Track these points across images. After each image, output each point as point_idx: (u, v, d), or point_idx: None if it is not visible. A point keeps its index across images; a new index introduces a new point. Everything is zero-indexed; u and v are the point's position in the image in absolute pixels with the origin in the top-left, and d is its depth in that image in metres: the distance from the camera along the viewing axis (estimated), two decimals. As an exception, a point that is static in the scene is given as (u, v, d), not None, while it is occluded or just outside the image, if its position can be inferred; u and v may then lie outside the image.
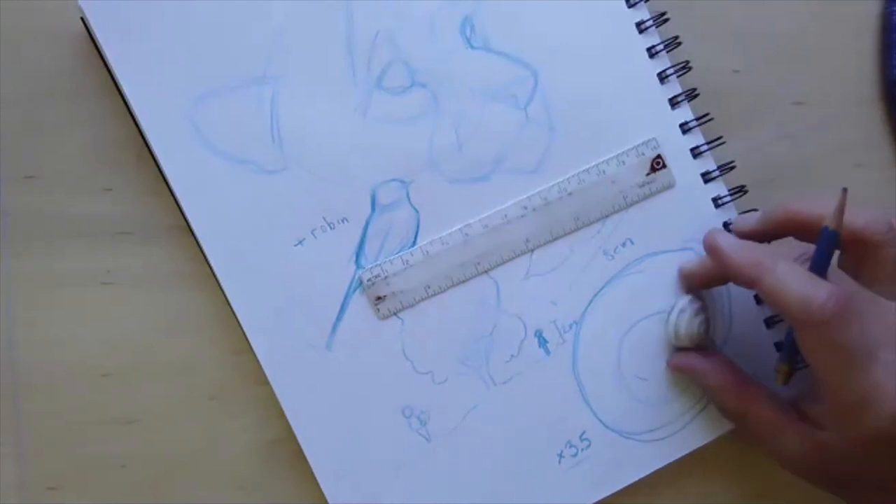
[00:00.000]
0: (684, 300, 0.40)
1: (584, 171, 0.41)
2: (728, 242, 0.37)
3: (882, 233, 0.36)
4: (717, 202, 0.42)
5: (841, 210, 0.35)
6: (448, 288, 0.40)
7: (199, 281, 0.40)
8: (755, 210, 0.41)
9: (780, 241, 0.39)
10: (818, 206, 0.37)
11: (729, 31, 0.43)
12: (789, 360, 0.38)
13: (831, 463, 0.35)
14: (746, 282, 0.36)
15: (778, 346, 0.42)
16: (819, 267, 0.35)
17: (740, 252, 0.37)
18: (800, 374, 0.39)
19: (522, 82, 0.40)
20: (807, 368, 0.36)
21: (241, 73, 0.39)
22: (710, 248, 0.38)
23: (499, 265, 0.40)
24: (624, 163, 0.41)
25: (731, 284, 0.41)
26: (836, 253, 0.37)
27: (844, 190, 0.34)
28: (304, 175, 0.39)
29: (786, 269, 0.34)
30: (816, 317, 0.33)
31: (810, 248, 0.36)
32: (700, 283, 0.41)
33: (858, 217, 0.36)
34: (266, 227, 0.39)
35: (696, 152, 0.41)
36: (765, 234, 0.39)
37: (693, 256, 0.41)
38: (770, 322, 0.42)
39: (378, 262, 0.40)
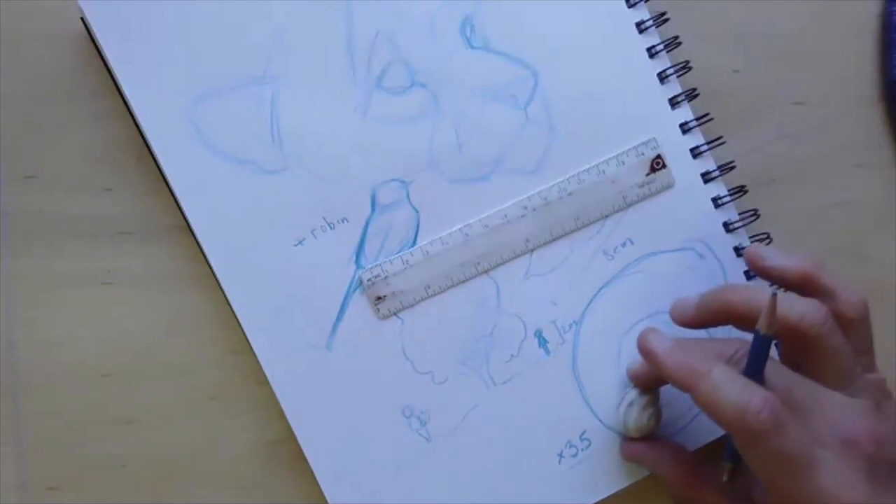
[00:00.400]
0: (633, 393, 0.40)
1: (583, 171, 0.41)
2: (662, 347, 0.36)
3: (819, 324, 0.34)
4: (716, 202, 0.42)
5: (772, 314, 0.34)
6: (448, 288, 0.40)
7: (199, 281, 0.40)
8: (695, 298, 0.39)
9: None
10: (755, 296, 0.36)
11: (729, 31, 0.43)
12: (732, 458, 0.37)
13: None
14: (681, 387, 0.35)
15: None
16: (754, 370, 0.34)
17: (674, 357, 0.36)
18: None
19: (522, 82, 0.40)
20: None
21: (241, 73, 0.39)
22: (644, 352, 0.37)
23: (499, 265, 0.40)
24: (624, 163, 0.41)
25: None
26: (775, 345, 0.36)
27: (774, 295, 0.34)
28: (304, 175, 0.39)
29: (719, 377, 0.34)
30: (752, 426, 0.32)
31: (746, 343, 0.35)
32: (646, 384, 0.40)
33: (793, 310, 0.35)
34: (266, 227, 0.39)
35: (695, 152, 0.41)
36: (702, 323, 0.38)
37: (693, 256, 0.41)
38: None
39: (378, 262, 0.40)
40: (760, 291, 0.36)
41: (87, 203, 0.40)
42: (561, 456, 0.41)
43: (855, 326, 0.36)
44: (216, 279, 0.39)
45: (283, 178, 0.39)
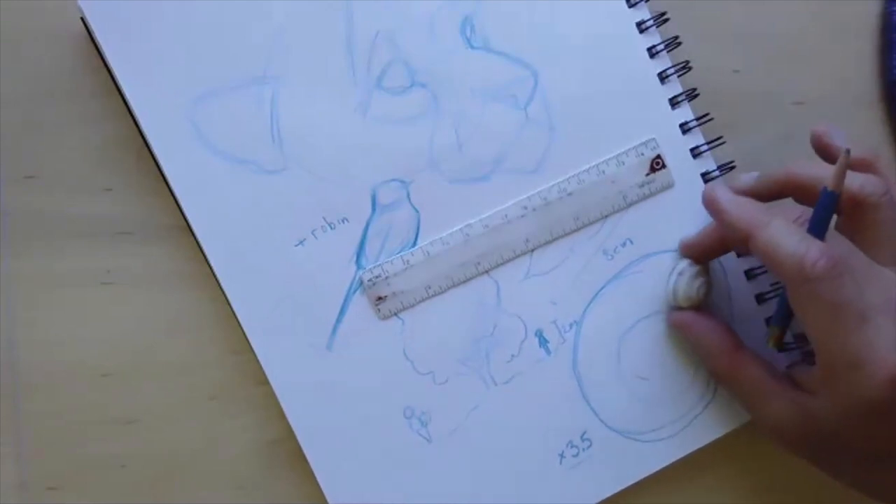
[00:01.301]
0: (683, 263, 0.40)
1: (583, 171, 0.41)
2: (726, 197, 0.37)
3: (878, 195, 0.35)
4: (717, 202, 0.42)
5: (842, 171, 0.34)
6: (448, 288, 0.40)
7: (199, 281, 0.40)
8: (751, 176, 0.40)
9: (780, 204, 0.39)
10: (819, 170, 0.36)
11: (729, 31, 0.43)
12: (782, 323, 0.38)
13: (817, 431, 0.35)
14: (741, 236, 0.35)
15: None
16: (816, 228, 0.35)
17: (737, 207, 0.36)
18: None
19: (522, 82, 0.40)
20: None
21: (241, 73, 0.39)
22: (708, 201, 0.38)
23: (499, 265, 0.40)
24: (624, 163, 0.41)
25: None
26: (834, 217, 0.36)
27: (847, 151, 0.34)
28: (304, 175, 0.39)
29: (780, 226, 0.34)
30: (808, 273, 0.33)
31: (808, 212, 0.36)
32: (700, 254, 0.40)
33: (854, 180, 0.35)
34: (266, 227, 0.39)
35: (696, 152, 0.41)
36: (763, 195, 0.38)
37: (693, 256, 0.41)
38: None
39: (379, 263, 0.40)
40: (822, 165, 0.37)
41: (87, 203, 0.40)
42: (562, 456, 0.41)
43: None
44: (216, 279, 0.39)
45: (284, 178, 0.39)
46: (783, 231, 0.34)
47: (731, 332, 0.40)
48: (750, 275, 0.42)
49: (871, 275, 0.34)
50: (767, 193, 0.38)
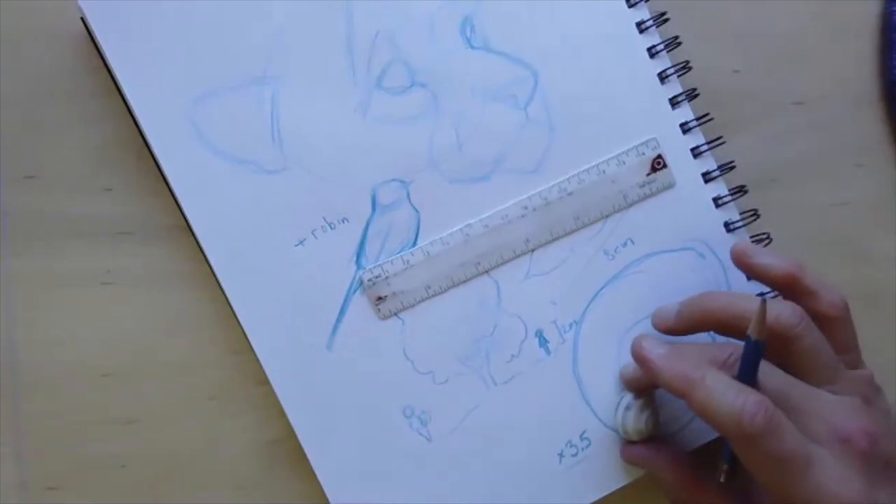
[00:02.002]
0: (628, 397, 0.40)
1: (584, 170, 0.41)
2: (655, 353, 0.37)
3: (794, 325, 0.35)
4: (717, 202, 0.42)
5: (762, 319, 0.34)
6: (448, 288, 0.40)
7: (199, 281, 0.40)
8: (675, 306, 0.39)
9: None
10: (733, 304, 0.37)
11: (729, 31, 0.44)
12: (730, 461, 0.37)
13: None
14: (676, 394, 0.35)
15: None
16: (747, 376, 0.35)
17: (668, 365, 0.36)
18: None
19: (522, 82, 0.40)
20: None
21: (241, 73, 0.39)
22: (639, 359, 0.38)
23: (499, 265, 0.40)
24: (624, 163, 0.41)
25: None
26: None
27: (764, 300, 0.34)
28: (304, 175, 0.39)
29: (713, 383, 0.34)
30: (747, 430, 0.33)
31: (738, 347, 0.36)
32: (640, 388, 0.40)
33: (770, 312, 0.35)
34: (266, 227, 0.39)
35: (696, 152, 0.41)
36: (683, 331, 0.39)
37: (694, 256, 0.41)
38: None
39: (379, 263, 0.40)
40: (739, 298, 0.37)
41: (87, 203, 0.40)
42: (561, 455, 0.41)
43: (837, 325, 0.37)
44: (216, 279, 0.39)
45: (284, 178, 0.39)
46: (717, 388, 0.34)
47: (686, 461, 0.40)
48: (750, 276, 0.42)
49: (811, 405, 0.35)
50: (686, 330, 0.39)
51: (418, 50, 0.40)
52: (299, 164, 0.39)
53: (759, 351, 0.35)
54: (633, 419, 0.40)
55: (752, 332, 0.35)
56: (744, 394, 0.33)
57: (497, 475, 0.41)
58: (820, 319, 0.37)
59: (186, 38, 0.38)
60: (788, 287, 0.38)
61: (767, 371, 0.35)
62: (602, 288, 0.41)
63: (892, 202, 0.45)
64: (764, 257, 0.38)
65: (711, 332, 0.40)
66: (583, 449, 0.41)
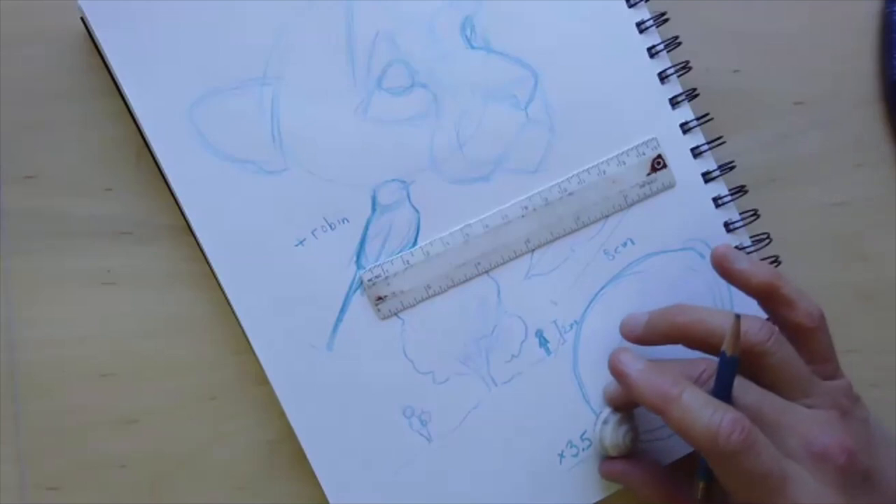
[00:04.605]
0: (607, 411, 0.40)
1: (584, 171, 0.41)
2: (633, 368, 0.37)
3: (764, 341, 0.36)
4: (717, 202, 0.42)
5: (736, 336, 0.35)
6: (449, 288, 0.40)
7: (199, 281, 0.40)
8: (644, 315, 0.39)
9: None
10: (704, 322, 0.37)
11: (729, 31, 0.44)
12: (706, 477, 0.37)
13: None
14: (653, 411, 0.35)
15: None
16: (722, 391, 0.35)
17: (645, 380, 0.36)
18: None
19: (523, 82, 0.40)
20: None
21: (241, 73, 0.39)
22: (616, 374, 0.38)
23: (499, 265, 0.40)
24: (624, 163, 0.41)
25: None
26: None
27: (737, 317, 0.34)
28: (304, 175, 0.39)
29: (690, 400, 0.34)
30: (723, 448, 0.33)
31: (713, 363, 0.36)
32: (621, 404, 0.40)
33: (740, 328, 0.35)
34: (266, 227, 0.39)
35: (696, 152, 0.41)
36: (650, 342, 0.39)
37: (694, 256, 0.41)
38: None
39: (379, 263, 0.40)
40: (709, 313, 0.37)
41: (87, 203, 0.40)
42: (562, 456, 0.41)
43: (813, 335, 0.37)
44: (216, 279, 0.39)
45: (284, 178, 0.39)
46: (693, 405, 0.34)
47: (664, 477, 0.40)
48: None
49: (786, 419, 0.35)
50: (653, 342, 0.39)
51: (418, 50, 0.40)
52: (299, 165, 0.39)
53: (734, 367, 0.35)
54: (611, 433, 0.40)
55: (726, 347, 0.35)
56: (720, 411, 0.33)
57: (497, 476, 0.41)
58: (796, 330, 0.37)
59: (187, 39, 0.38)
60: (766, 296, 0.38)
61: (742, 386, 0.36)
62: (602, 288, 0.41)
63: (892, 202, 0.45)
64: (743, 263, 0.38)
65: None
66: (583, 449, 0.41)
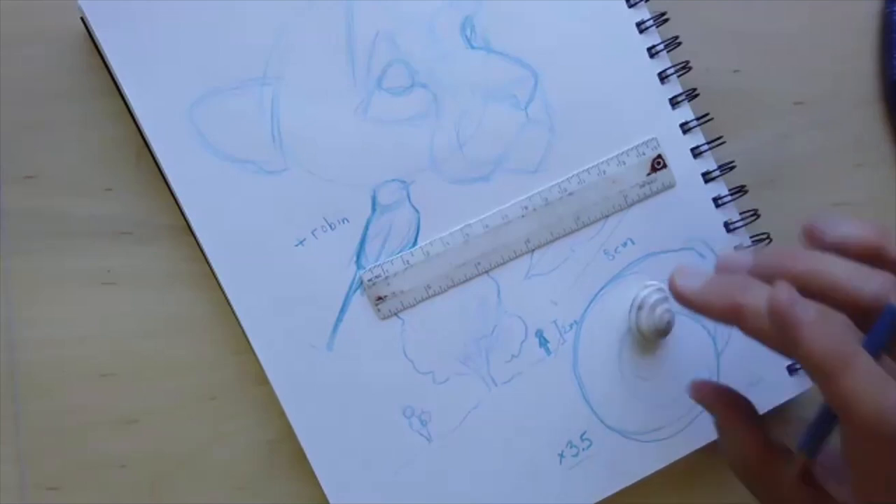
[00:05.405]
0: (639, 297, 0.39)
1: (584, 171, 0.41)
2: (807, 315, 0.29)
3: None
4: (717, 202, 0.42)
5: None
6: (449, 288, 0.40)
7: (199, 281, 0.40)
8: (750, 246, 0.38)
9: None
10: (826, 273, 0.32)
11: (729, 31, 0.43)
12: (812, 452, 0.32)
13: None
14: (814, 372, 0.29)
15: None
16: (875, 348, 0.29)
17: (823, 334, 0.29)
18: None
19: (523, 82, 0.40)
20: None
21: (241, 73, 0.39)
22: (778, 316, 0.29)
23: (499, 265, 0.40)
24: (624, 163, 0.41)
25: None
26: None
27: None
28: (304, 175, 0.39)
29: (864, 373, 0.28)
30: (887, 433, 0.28)
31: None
32: (701, 310, 0.34)
33: (868, 284, 0.31)
34: (266, 227, 0.39)
35: (696, 152, 0.41)
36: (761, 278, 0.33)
37: (694, 256, 0.41)
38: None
39: (379, 263, 0.40)
40: (828, 262, 0.32)
41: (87, 203, 0.40)
42: (562, 456, 0.41)
43: None
44: (216, 279, 0.39)
45: (284, 178, 0.39)
46: (868, 379, 0.28)
47: (758, 425, 0.35)
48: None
49: None
50: (764, 278, 0.33)
51: (418, 50, 0.40)
52: (299, 165, 0.39)
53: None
54: (646, 317, 0.39)
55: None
56: (890, 387, 0.28)
57: (497, 476, 0.41)
58: None
59: (187, 38, 0.38)
60: (869, 260, 0.32)
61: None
62: (602, 288, 0.41)
63: (892, 202, 0.45)
64: (837, 228, 0.33)
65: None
66: (584, 450, 0.41)
